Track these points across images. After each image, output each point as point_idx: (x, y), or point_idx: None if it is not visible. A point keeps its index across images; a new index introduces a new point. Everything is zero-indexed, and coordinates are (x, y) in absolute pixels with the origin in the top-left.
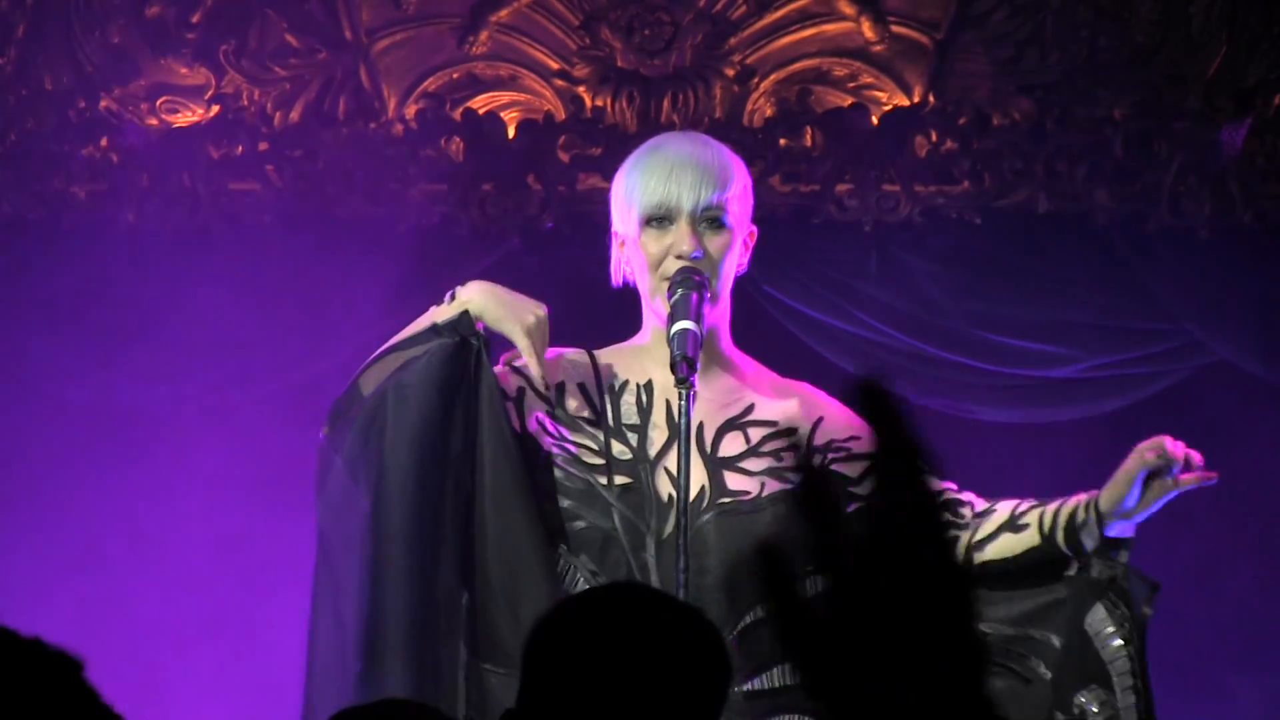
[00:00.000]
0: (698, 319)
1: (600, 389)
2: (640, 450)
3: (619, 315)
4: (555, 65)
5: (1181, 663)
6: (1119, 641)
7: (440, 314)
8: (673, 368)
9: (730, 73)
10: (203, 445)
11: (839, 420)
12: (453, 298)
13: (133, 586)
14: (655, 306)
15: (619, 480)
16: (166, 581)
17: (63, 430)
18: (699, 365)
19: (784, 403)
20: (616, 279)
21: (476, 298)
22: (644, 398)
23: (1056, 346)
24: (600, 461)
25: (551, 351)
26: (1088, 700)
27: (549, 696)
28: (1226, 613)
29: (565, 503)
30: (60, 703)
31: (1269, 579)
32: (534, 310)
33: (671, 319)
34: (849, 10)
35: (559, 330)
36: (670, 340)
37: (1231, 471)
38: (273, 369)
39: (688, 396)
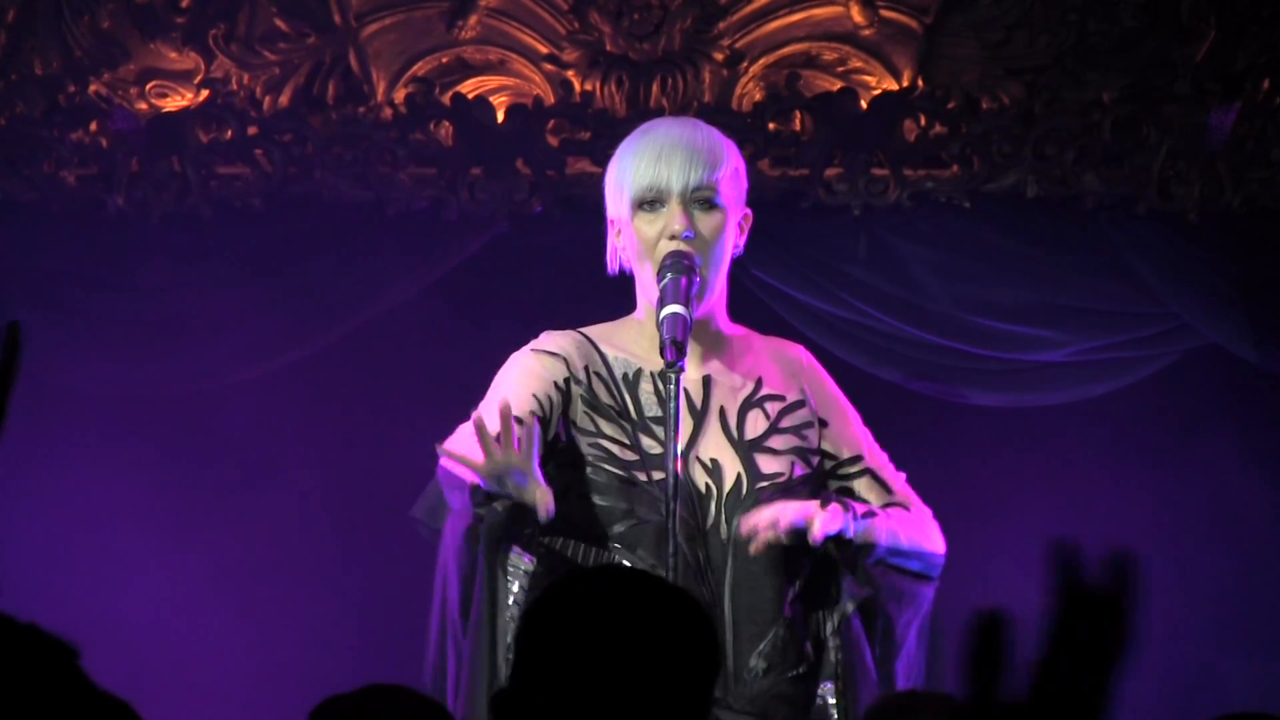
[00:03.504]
0: (687, 303)
1: (614, 379)
2: (667, 446)
3: (608, 299)
4: (544, 50)
5: (1170, 648)
6: (836, 641)
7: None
8: (661, 351)
9: (719, 57)
10: (192, 429)
11: (824, 390)
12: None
13: (123, 571)
14: (650, 292)
15: (656, 475)
16: (158, 567)
17: (50, 413)
18: (688, 349)
19: (784, 373)
20: (613, 267)
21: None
22: (661, 389)
23: (1045, 330)
24: (635, 457)
25: (557, 336)
26: (826, 693)
27: (541, 676)
28: (1215, 596)
29: (609, 502)
30: (54, 689)
31: (1257, 562)
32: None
33: (661, 303)
34: None
35: (550, 317)
36: (660, 325)
37: (1220, 455)
38: (263, 352)
39: (677, 380)
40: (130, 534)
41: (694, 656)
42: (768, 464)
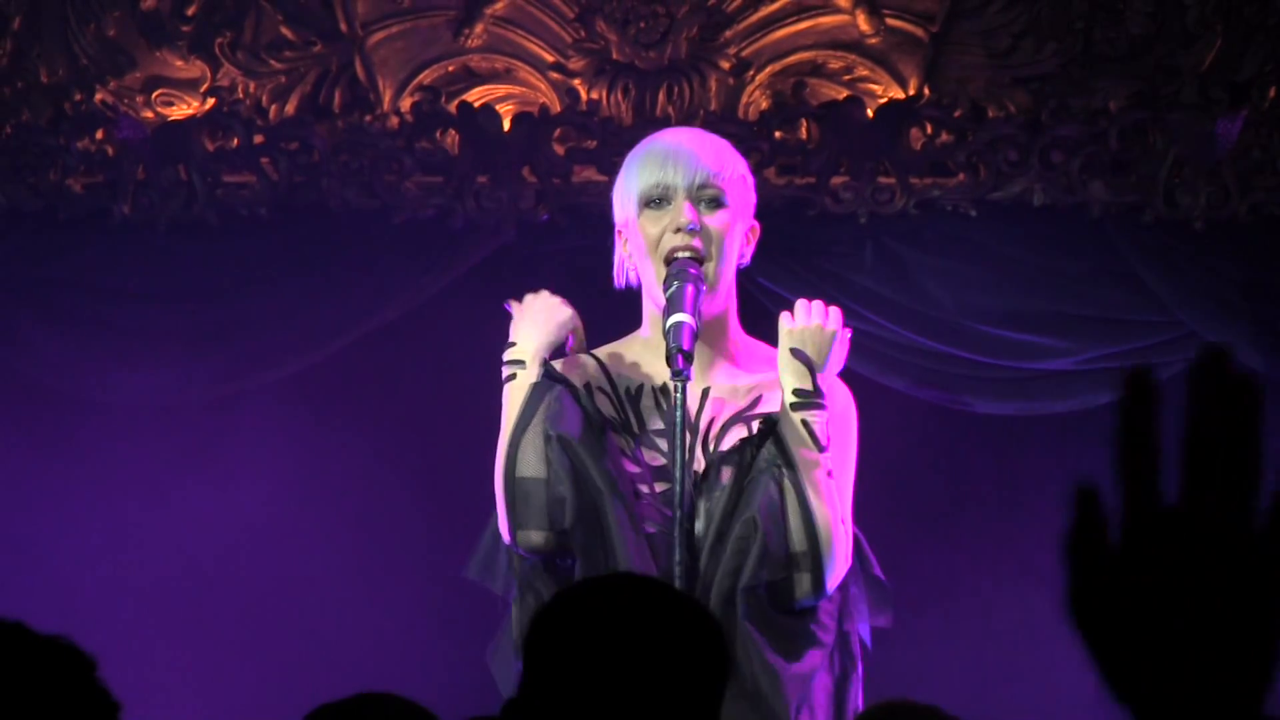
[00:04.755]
0: (694, 312)
1: (618, 394)
2: (672, 455)
3: (614, 308)
4: (550, 58)
5: None
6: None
7: (529, 376)
8: (668, 360)
9: (725, 65)
10: (197, 436)
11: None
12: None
13: (120, 578)
14: (656, 294)
15: (659, 487)
16: (154, 572)
17: (56, 420)
18: (694, 358)
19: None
20: (620, 280)
21: (531, 342)
22: (663, 402)
23: (1052, 339)
24: (637, 469)
25: (561, 362)
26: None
27: (549, 686)
28: None
29: None
30: (73, 700)
31: None
32: (561, 312)
33: (667, 312)
34: (844, 3)
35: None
36: (665, 334)
37: None
38: (268, 361)
39: (683, 389)
40: (130, 539)
41: (703, 664)
42: (729, 475)
